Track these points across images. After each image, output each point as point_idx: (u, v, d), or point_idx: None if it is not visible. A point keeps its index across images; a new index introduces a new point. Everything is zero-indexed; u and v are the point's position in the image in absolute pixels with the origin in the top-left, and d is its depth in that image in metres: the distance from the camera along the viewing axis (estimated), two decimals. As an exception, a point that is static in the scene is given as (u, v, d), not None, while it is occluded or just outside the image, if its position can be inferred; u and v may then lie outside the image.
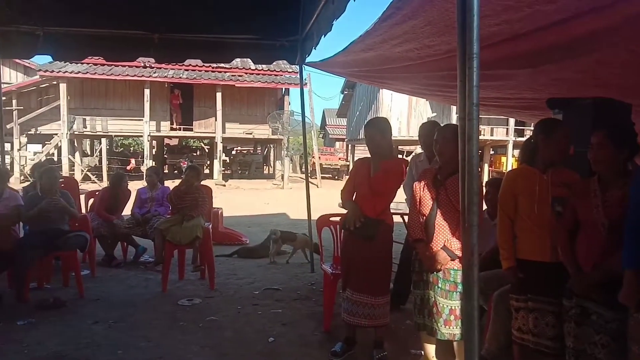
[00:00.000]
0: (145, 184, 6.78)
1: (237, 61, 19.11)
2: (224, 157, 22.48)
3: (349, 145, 29.57)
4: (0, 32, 5.37)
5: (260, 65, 20.22)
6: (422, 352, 3.23)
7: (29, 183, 5.08)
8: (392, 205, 3.57)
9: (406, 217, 4.59)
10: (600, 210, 2.40)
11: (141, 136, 20.70)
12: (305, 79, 6.63)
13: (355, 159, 23.20)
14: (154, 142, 23.01)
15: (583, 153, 2.57)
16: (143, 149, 21.09)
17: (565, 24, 2.27)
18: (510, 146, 20.90)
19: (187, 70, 19.82)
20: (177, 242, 5.27)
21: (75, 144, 20.78)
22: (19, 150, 19.40)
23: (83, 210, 6.38)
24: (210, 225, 5.69)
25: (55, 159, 18.86)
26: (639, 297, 2.10)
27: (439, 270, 2.90)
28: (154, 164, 17.62)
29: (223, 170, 21.38)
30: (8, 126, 18.13)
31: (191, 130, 21.28)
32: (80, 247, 4.99)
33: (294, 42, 5.73)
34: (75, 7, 5.14)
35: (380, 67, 3.97)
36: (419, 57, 3.23)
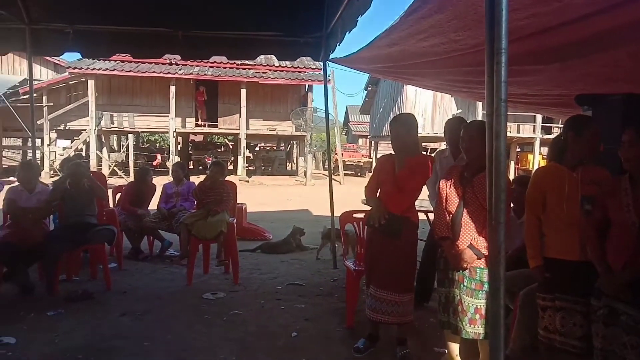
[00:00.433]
0: (171, 179, 6.89)
1: (261, 58, 19.19)
2: (247, 153, 22.62)
3: (372, 142, 29.43)
4: (32, 30, 5.50)
5: (284, 62, 20.28)
6: (446, 350, 3.20)
7: (58, 177, 5.20)
8: (415, 202, 3.55)
9: (430, 215, 4.58)
10: (631, 209, 2.35)
11: (167, 132, 20.98)
12: (328, 76, 6.62)
13: (379, 155, 23.12)
14: (180, 138, 23.30)
15: (613, 150, 2.51)
16: (169, 145, 21.37)
17: (596, 17, 2.22)
18: (537, 144, 20.52)
19: (212, 67, 20.01)
20: (202, 237, 5.34)
21: (103, 140, 21.17)
22: (48, 145, 19.87)
23: (111, 205, 6.51)
24: (235, 221, 5.75)
25: (84, 154, 19.28)
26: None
27: (465, 269, 2.87)
28: (179, 160, 17.86)
29: (246, 167, 21.52)
30: (38, 122, 18.60)
31: (216, 126, 21.48)
32: (108, 240, 5.10)
33: (318, 38, 5.73)
34: (103, 5, 5.26)
35: (405, 62, 3.94)
36: (445, 52, 3.19)
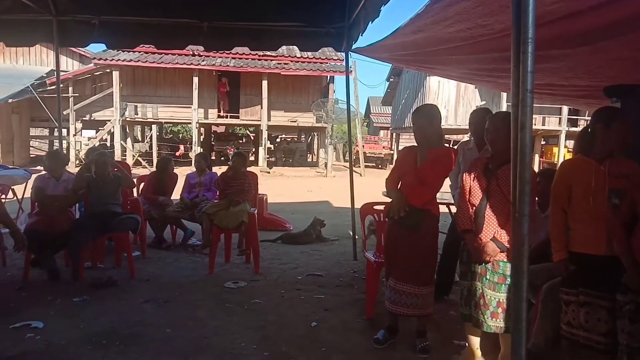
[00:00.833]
0: (194, 169, 6.96)
1: (283, 49, 19.19)
2: (268, 144, 22.71)
3: (394, 134, 29.23)
4: (59, 21, 5.60)
5: (305, 53, 20.25)
6: (466, 343, 3.18)
7: (82, 165, 5.32)
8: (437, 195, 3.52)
9: (452, 207, 4.54)
10: (661, 203, 2.29)
11: (190, 123, 21.18)
12: (350, 67, 6.59)
13: (400, 148, 22.95)
14: (202, 129, 23.50)
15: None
16: (191, 136, 21.58)
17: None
18: (562, 136, 20.12)
19: (234, 58, 20.11)
20: (223, 227, 5.40)
21: (127, 130, 21.49)
22: (74, 135, 20.25)
23: (135, 194, 6.61)
24: (256, 211, 5.79)
25: (108, 144, 19.62)
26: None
27: (488, 262, 2.84)
28: (202, 151, 18.03)
29: (267, 158, 21.60)
30: (65, 112, 18.96)
31: (237, 117, 21.61)
32: (132, 229, 5.19)
33: (341, 28, 5.70)
34: (129, -4, 5.31)
35: (431, 48, 3.87)
36: (471, 37, 3.13)
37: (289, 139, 28.93)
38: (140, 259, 5.61)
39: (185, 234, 6.51)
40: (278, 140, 28.35)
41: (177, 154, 22.50)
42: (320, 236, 7.05)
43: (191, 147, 21.22)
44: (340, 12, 5.48)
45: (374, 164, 25.82)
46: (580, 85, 4.15)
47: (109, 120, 20.30)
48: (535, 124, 19.08)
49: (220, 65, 19.99)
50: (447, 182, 3.86)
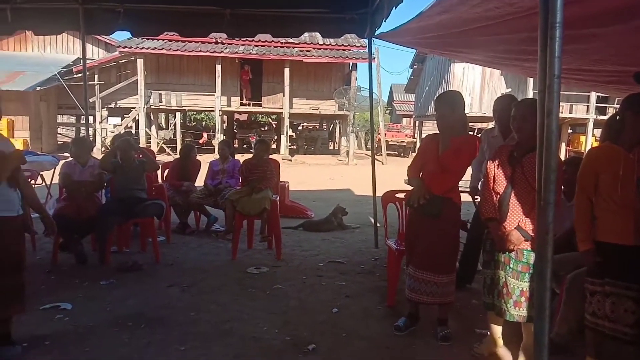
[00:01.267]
0: (217, 156, 7.03)
1: (305, 36, 19.14)
2: (290, 132, 22.74)
3: (417, 122, 28.95)
4: (85, 9, 5.67)
5: (328, 40, 20.13)
6: (488, 332, 3.17)
7: (107, 151, 5.43)
8: (460, 183, 3.48)
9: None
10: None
11: (213, 111, 21.34)
12: (373, 53, 6.52)
13: (423, 136, 22.76)
14: (225, 117, 23.65)
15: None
16: (214, 124, 21.74)
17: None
18: (590, 124, 19.68)
19: (256, 46, 20.11)
20: (246, 213, 5.45)
21: (152, 118, 21.75)
22: (100, 122, 20.60)
23: (159, 181, 6.72)
24: (278, 198, 5.82)
25: (133, 131, 19.90)
26: None
27: (512, 251, 2.81)
28: (225, 138, 18.16)
29: (289, 146, 21.66)
30: (91, 100, 19.27)
31: (260, 105, 21.68)
32: (157, 214, 5.28)
33: (364, 14, 5.64)
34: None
35: (456, 29, 3.80)
36: (499, 16, 3.05)
37: (310, 127, 28.94)
38: (164, 244, 5.71)
39: (208, 220, 6.59)
40: (300, 128, 28.35)
41: (201, 141, 22.72)
42: (342, 224, 7.06)
43: (214, 135, 21.40)
44: (363, -2, 5.43)
45: (397, 152, 25.66)
46: (610, 71, 4.04)
47: (134, 108, 20.58)
48: (562, 112, 18.67)
49: (243, 52, 20.02)
50: (469, 170, 3.82)
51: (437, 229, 3.29)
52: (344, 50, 20.56)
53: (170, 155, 18.93)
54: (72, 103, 19.12)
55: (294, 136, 25.05)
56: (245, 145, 22.20)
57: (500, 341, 3.12)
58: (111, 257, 4.99)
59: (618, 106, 2.86)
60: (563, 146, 20.32)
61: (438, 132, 3.40)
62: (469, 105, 20.38)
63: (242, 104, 21.74)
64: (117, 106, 21.41)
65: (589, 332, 2.75)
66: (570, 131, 22.37)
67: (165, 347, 3.18)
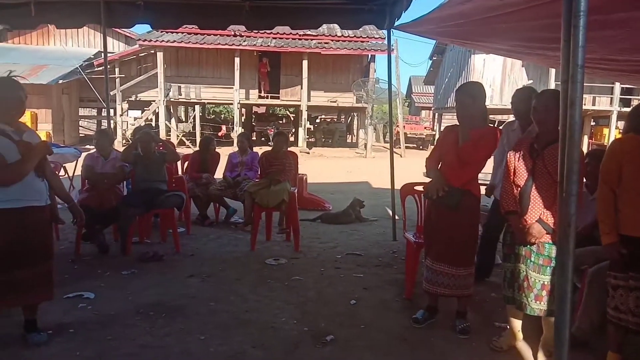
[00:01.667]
0: (236, 149, 7.07)
1: (324, 28, 19.07)
2: (308, 125, 22.74)
3: (436, 114, 28.69)
4: (106, 2, 5.73)
5: (346, 32, 20.02)
6: (508, 326, 3.15)
7: (129, 144, 5.51)
8: (479, 175, 3.45)
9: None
10: None
11: (231, 104, 21.44)
12: (392, 45, 6.47)
13: (442, 128, 22.50)
14: (243, 110, 23.74)
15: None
16: (233, 117, 21.85)
17: None
18: (614, 117, 19.26)
19: (275, 38, 20.11)
20: (265, 205, 5.48)
21: (171, 111, 21.95)
22: (121, 115, 20.86)
23: (179, 173, 6.79)
24: (296, 190, 5.84)
25: (153, 124, 20.11)
26: None
27: (533, 244, 2.78)
28: (243, 131, 18.25)
29: (307, 138, 21.66)
30: (111, 93, 19.52)
31: (278, 98, 21.70)
32: (177, 206, 5.34)
33: (383, 5, 5.59)
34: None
35: (478, 17, 3.74)
36: (523, 2, 3.00)
37: (328, 120, 28.89)
38: (184, 235, 5.78)
39: (227, 211, 6.65)
40: (318, 120, 28.35)
41: (220, 134, 22.86)
42: (360, 216, 7.06)
43: (233, 128, 21.51)
44: (382, -11, 5.38)
45: (415, 145, 25.49)
46: (635, 60, 3.94)
47: (154, 101, 20.78)
48: (584, 104, 18.25)
49: (261, 45, 20.04)
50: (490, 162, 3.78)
51: (456, 221, 3.26)
52: (362, 42, 20.44)
53: (189, 147, 19.08)
54: (93, 96, 19.39)
55: (312, 129, 25.05)
56: (263, 138, 22.28)
57: (520, 335, 3.10)
58: (132, 248, 5.07)
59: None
60: (585, 139, 19.95)
61: (458, 123, 3.37)
62: (489, 97, 20.08)
63: (260, 97, 21.80)
64: (138, 99, 21.63)
65: (611, 326, 2.71)
66: (592, 123, 21.94)
67: (186, 336, 3.23)
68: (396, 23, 5.56)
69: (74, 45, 23.97)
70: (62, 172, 6.79)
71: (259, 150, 7.25)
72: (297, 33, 19.41)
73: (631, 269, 2.55)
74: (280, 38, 20.08)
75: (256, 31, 17.87)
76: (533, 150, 2.85)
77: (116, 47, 24.28)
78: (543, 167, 2.76)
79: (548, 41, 3.92)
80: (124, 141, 18.73)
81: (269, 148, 6.04)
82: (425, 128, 27.44)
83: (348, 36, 20.33)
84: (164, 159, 5.41)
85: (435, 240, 3.39)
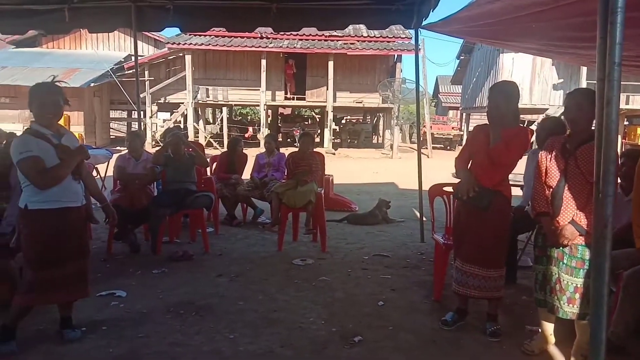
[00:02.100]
0: (263, 150, 7.12)
1: (350, 29, 19.02)
2: (334, 126, 22.72)
3: (464, 114, 28.32)
4: (136, 7, 5.85)
5: (372, 32, 19.95)
6: (539, 329, 3.09)
7: (160, 147, 5.61)
8: (510, 176, 3.40)
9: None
10: None
11: (258, 105, 21.60)
12: (419, 44, 6.42)
13: (470, 128, 22.24)
14: (269, 111, 23.90)
15: None
16: (259, 118, 22.02)
17: None
18: (648, 116, 18.69)
19: (301, 39, 20.18)
20: (291, 206, 5.51)
21: (199, 112, 22.24)
22: (150, 117, 21.23)
23: (208, 173, 6.88)
24: (322, 191, 5.85)
25: (182, 126, 20.41)
26: None
27: (566, 246, 2.72)
28: (270, 132, 18.37)
29: (333, 139, 21.66)
30: (141, 95, 19.88)
31: (304, 99, 21.77)
32: (206, 206, 5.42)
33: (411, 5, 5.54)
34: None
35: (508, 16, 3.68)
36: (553, 1, 2.94)
37: (354, 120, 28.81)
38: (213, 235, 5.85)
39: (255, 212, 6.71)
40: (343, 121, 28.32)
41: (246, 135, 23.05)
42: (386, 217, 7.03)
43: (259, 129, 21.66)
44: (410, -12, 5.35)
45: (442, 146, 25.22)
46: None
47: (182, 103, 21.09)
48: (618, 103, 17.83)
49: (287, 47, 20.13)
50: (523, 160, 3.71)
51: (486, 222, 3.22)
52: (388, 42, 20.33)
53: (217, 149, 19.31)
54: (124, 98, 19.79)
55: (338, 130, 25.04)
56: (289, 139, 22.38)
57: (552, 339, 3.04)
58: (162, 247, 5.16)
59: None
60: (619, 139, 19.40)
61: (488, 122, 3.32)
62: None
63: (286, 98, 21.90)
64: (166, 101, 21.99)
65: (649, 331, 2.64)
66: (626, 123, 21.32)
67: (215, 334, 3.27)
68: (424, 22, 5.53)
69: (105, 49, 24.51)
70: (94, 173, 6.97)
71: (285, 151, 7.30)
72: (323, 34, 19.43)
73: (670, 273, 2.47)
74: (306, 39, 20.14)
75: (282, 33, 17.97)
76: (565, 151, 2.79)
77: (146, 50, 24.71)
78: (576, 167, 2.70)
79: (579, 40, 3.84)
80: (154, 143, 19.06)
81: (295, 149, 6.07)
82: (452, 128, 27.10)
83: (374, 36, 20.26)
84: (194, 161, 5.49)
85: (465, 242, 3.35)
